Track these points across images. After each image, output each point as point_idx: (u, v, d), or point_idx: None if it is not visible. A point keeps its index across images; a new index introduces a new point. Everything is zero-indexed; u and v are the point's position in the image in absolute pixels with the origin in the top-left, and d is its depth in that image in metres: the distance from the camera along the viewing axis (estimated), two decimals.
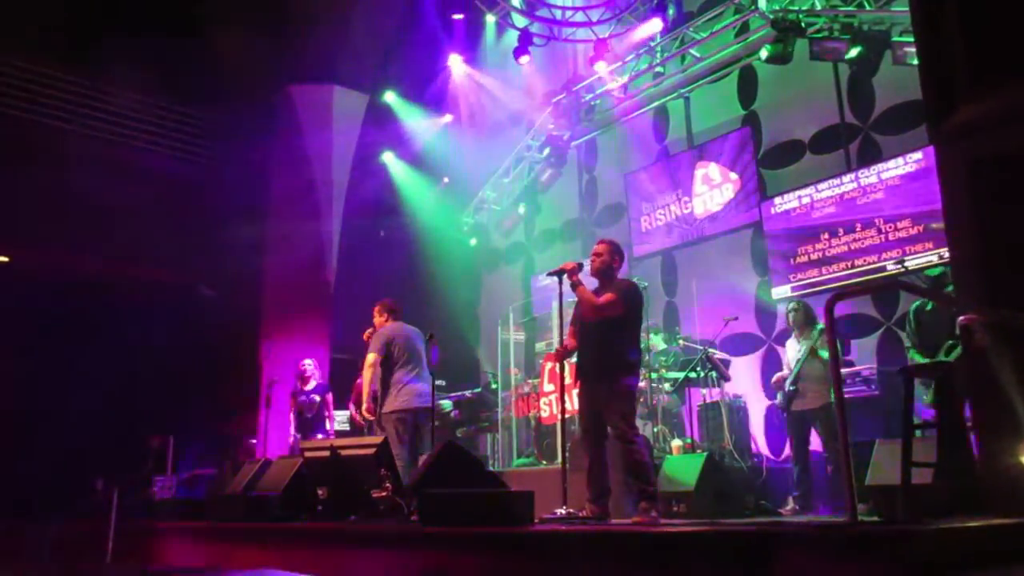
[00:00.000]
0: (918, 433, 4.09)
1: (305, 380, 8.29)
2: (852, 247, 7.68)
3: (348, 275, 10.97)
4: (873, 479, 4.84)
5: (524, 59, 9.56)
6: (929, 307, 5.70)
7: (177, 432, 7.71)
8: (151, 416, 8.80)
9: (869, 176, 7.61)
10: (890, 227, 7.40)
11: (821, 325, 6.22)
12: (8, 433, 9.91)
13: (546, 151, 10.66)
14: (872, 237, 7.51)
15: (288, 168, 10.68)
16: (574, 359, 5.22)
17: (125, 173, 9.90)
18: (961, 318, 3.33)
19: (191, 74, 10.42)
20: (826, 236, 7.87)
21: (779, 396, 6.58)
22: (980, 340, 3.20)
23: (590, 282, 5.13)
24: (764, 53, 7.99)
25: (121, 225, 9.74)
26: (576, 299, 5.11)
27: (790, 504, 6.22)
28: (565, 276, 5.05)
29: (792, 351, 6.60)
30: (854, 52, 7.57)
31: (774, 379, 6.69)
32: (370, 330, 6.61)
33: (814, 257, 7.95)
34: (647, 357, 7.11)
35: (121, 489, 6.36)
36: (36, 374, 10.10)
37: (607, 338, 4.87)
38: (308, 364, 8.37)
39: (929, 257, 6.96)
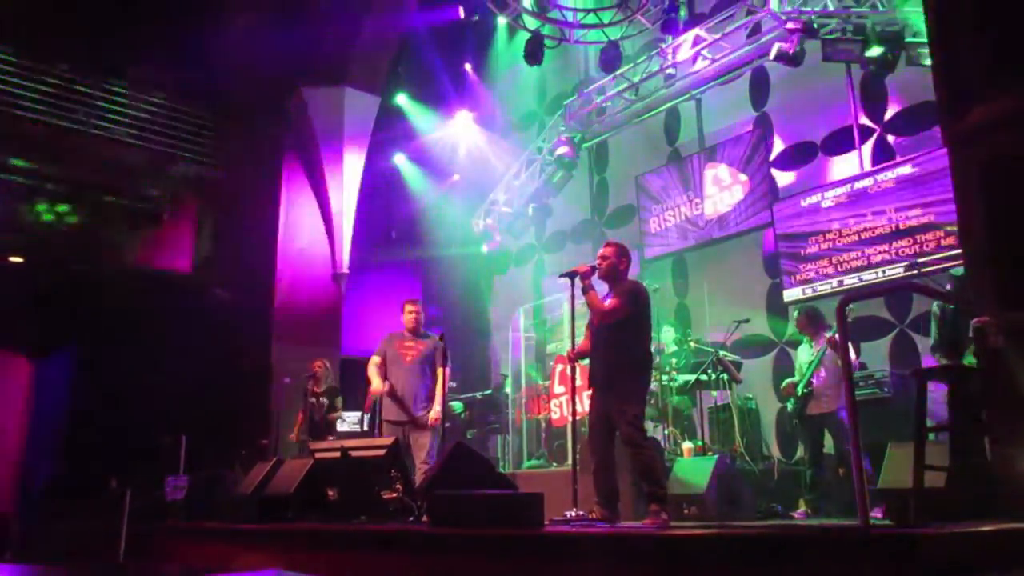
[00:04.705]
0: (931, 436, 4.07)
1: (316, 381, 8.21)
2: (862, 236, 7.65)
3: (360, 276, 11.01)
4: (885, 482, 4.81)
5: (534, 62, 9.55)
6: (953, 305, 5.61)
7: (189, 432, 7.73)
8: (163, 416, 8.84)
9: (883, 177, 7.57)
10: (901, 218, 7.35)
11: (834, 329, 6.17)
12: (25, 432, 9.99)
13: (557, 153, 10.63)
14: (883, 227, 7.48)
15: (300, 169, 10.75)
16: (587, 362, 5.22)
17: (139, 175, 9.96)
18: (975, 320, 3.31)
19: (204, 76, 10.47)
20: (836, 228, 7.85)
21: (790, 404, 6.54)
22: (994, 342, 3.18)
23: (602, 286, 5.13)
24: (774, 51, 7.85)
25: (134, 227, 9.80)
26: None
27: (801, 507, 6.19)
28: (577, 279, 5.05)
29: (804, 355, 6.57)
30: (875, 51, 7.46)
31: (783, 386, 6.66)
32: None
33: (824, 247, 7.92)
34: (657, 359, 7.09)
35: (133, 489, 6.39)
36: (49, 374, 10.17)
37: (615, 341, 4.87)
38: (318, 365, 8.29)
39: (946, 256, 6.88)
